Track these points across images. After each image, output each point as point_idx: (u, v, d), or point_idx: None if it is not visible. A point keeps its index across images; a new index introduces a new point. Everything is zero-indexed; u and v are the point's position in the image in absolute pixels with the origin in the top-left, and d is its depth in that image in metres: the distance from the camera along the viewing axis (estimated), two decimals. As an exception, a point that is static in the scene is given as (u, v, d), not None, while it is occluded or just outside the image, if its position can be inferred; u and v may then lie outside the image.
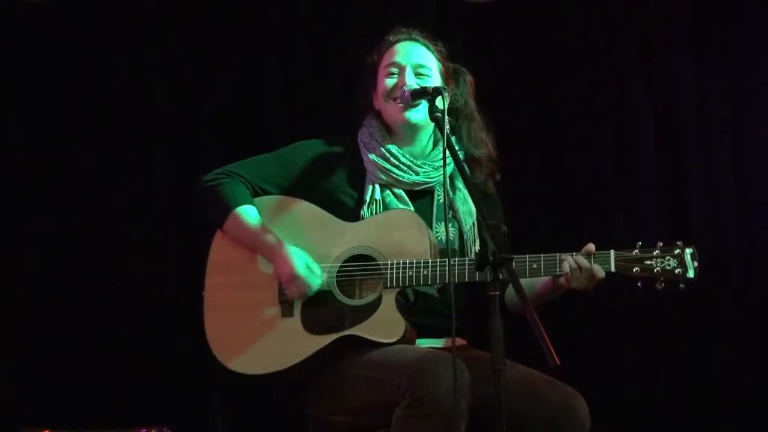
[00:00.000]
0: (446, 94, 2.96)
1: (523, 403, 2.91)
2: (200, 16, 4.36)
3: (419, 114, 3.17)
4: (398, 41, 3.26)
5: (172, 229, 4.20)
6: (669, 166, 4.51)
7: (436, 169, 3.22)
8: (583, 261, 2.98)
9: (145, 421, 3.64)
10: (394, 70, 3.21)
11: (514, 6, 4.53)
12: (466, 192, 3.22)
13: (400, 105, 3.16)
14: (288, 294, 3.08)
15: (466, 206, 3.23)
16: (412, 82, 3.17)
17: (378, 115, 3.28)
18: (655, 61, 4.54)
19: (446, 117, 2.88)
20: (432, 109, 2.98)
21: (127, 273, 4.20)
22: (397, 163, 3.19)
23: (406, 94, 3.12)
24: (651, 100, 4.54)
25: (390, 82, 3.21)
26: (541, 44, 4.55)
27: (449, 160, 2.94)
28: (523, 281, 2.68)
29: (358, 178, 3.21)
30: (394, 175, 3.19)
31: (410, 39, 3.27)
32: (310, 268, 3.05)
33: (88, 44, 4.27)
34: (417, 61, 3.22)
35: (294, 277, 3.04)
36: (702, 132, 4.51)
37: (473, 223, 3.23)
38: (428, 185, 3.23)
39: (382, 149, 3.20)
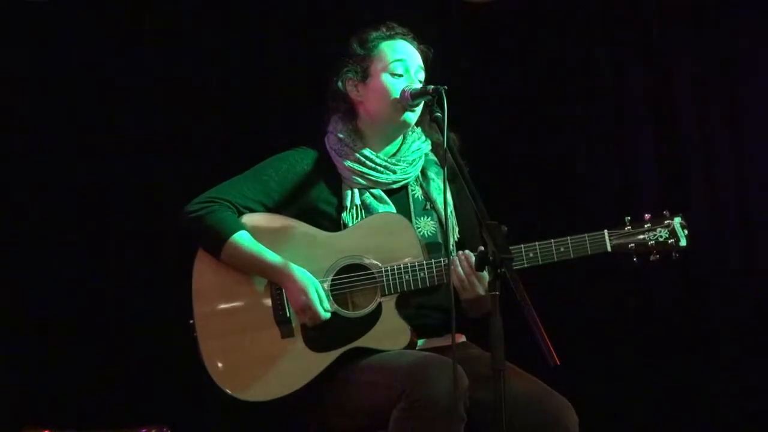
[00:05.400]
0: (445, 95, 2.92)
1: (513, 408, 2.86)
2: (201, 14, 4.38)
3: (416, 115, 3.16)
4: (393, 38, 3.21)
5: (171, 229, 4.18)
6: (668, 163, 4.53)
7: (411, 164, 3.20)
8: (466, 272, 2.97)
9: (145, 421, 3.64)
10: (401, 70, 3.16)
11: (514, 6, 4.53)
12: (439, 182, 3.21)
13: (401, 105, 3.12)
14: (300, 320, 3.03)
15: (441, 196, 3.19)
16: (414, 84, 3.14)
17: (346, 115, 3.22)
18: (654, 57, 4.56)
19: (446, 117, 2.86)
20: (432, 109, 2.95)
21: (127, 272, 4.21)
22: (373, 165, 3.16)
23: (407, 93, 3.09)
24: (651, 100, 4.56)
25: (398, 82, 3.14)
26: (540, 44, 4.56)
27: (420, 157, 3.02)
28: None
29: (335, 185, 3.18)
30: (372, 178, 3.16)
31: (405, 38, 3.22)
32: (321, 298, 3.01)
33: (87, 44, 4.27)
34: (419, 63, 3.20)
35: (308, 308, 3.00)
36: (701, 128, 4.53)
37: (451, 212, 3.20)
38: (405, 181, 3.21)
39: (357, 155, 3.16)
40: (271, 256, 3.06)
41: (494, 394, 2.46)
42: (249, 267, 3.09)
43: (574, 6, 4.59)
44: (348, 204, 3.14)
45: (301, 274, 3.03)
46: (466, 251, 3.01)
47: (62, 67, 4.24)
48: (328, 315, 3.02)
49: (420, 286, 3.03)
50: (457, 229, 3.22)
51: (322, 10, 4.45)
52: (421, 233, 3.14)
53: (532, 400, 2.93)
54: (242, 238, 3.07)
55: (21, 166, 4.21)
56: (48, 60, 4.23)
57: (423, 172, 3.25)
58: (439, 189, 3.21)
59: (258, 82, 4.39)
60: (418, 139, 3.25)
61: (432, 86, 3.00)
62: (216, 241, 3.08)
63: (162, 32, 4.34)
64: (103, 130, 4.26)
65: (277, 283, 3.06)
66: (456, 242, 3.20)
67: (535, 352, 2.41)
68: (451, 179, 3.14)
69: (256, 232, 3.10)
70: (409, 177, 3.21)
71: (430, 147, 3.26)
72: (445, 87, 2.93)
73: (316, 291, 3.01)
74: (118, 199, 4.25)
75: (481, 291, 2.97)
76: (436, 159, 3.27)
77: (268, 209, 3.16)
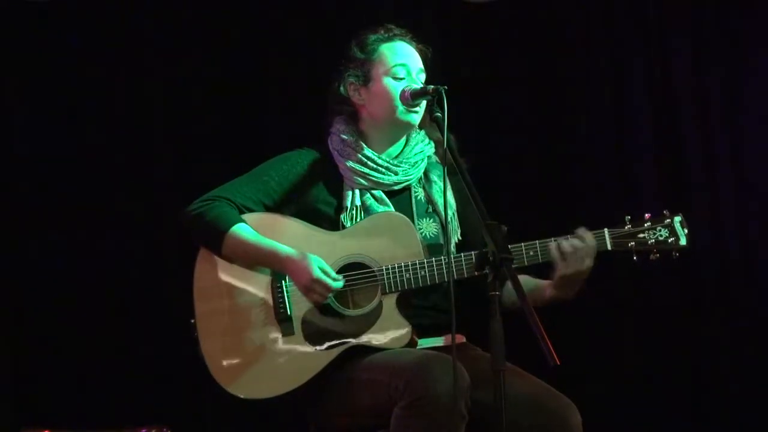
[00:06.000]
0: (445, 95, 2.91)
1: (516, 409, 2.85)
2: (201, 14, 4.38)
3: (419, 115, 3.16)
4: (392, 39, 3.20)
5: (171, 229, 4.19)
6: (668, 163, 4.54)
7: (413, 165, 3.20)
8: (575, 242, 2.96)
9: (145, 421, 3.64)
10: (403, 74, 3.15)
11: (514, 5, 4.54)
12: (441, 184, 3.20)
13: (403, 106, 3.12)
14: (309, 299, 3.03)
15: (443, 198, 3.17)
16: (413, 84, 3.13)
17: (349, 117, 3.22)
18: (655, 56, 4.56)
19: (446, 117, 2.86)
20: (432, 110, 2.94)
21: (127, 272, 4.21)
22: (375, 166, 3.15)
23: (407, 93, 3.09)
24: (651, 99, 4.56)
25: (399, 85, 3.13)
26: (540, 44, 4.57)
27: (423, 159, 3.02)
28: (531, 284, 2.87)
29: (336, 186, 3.17)
30: (374, 179, 3.16)
31: (406, 40, 3.22)
32: (325, 271, 3.01)
33: (88, 44, 4.27)
34: (419, 65, 3.20)
35: (314, 282, 2.99)
36: (701, 128, 4.54)
37: (453, 213, 3.20)
38: (407, 183, 3.21)
39: (359, 155, 3.16)
40: (272, 244, 3.06)
41: (494, 395, 2.46)
42: (251, 258, 3.09)
43: (574, 5, 4.59)
44: (348, 205, 3.14)
45: (301, 254, 3.02)
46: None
47: (62, 67, 4.24)
48: (340, 284, 3.01)
49: (420, 285, 3.02)
50: (459, 231, 3.21)
51: (322, 10, 4.45)
52: (423, 234, 3.14)
53: (535, 400, 2.92)
54: (242, 230, 3.08)
55: (21, 166, 4.21)
56: (48, 60, 4.23)
57: (426, 174, 3.24)
58: (441, 192, 3.21)
59: (258, 83, 4.39)
60: (422, 141, 3.24)
61: (432, 86, 2.99)
62: (217, 233, 3.08)
63: (162, 32, 4.34)
64: (103, 130, 4.26)
65: (280, 269, 3.06)
66: (457, 243, 3.19)
67: (535, 352, 2.41)
68: (452, 178, 3.13)
69: (257, 231, 3.10)
70: (411, 179, 3.21)
71: (433, 149, 3.25)
72: (445, 87, 2.93)
73: (319, 266, 3.00)
74: (119, 199, 4.25)
75: (589, 262, 2.95)
76: (439, 161, 3.26)
77: (268, 209, 3.17)
